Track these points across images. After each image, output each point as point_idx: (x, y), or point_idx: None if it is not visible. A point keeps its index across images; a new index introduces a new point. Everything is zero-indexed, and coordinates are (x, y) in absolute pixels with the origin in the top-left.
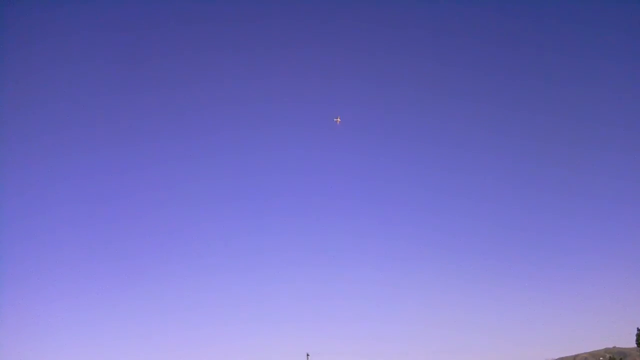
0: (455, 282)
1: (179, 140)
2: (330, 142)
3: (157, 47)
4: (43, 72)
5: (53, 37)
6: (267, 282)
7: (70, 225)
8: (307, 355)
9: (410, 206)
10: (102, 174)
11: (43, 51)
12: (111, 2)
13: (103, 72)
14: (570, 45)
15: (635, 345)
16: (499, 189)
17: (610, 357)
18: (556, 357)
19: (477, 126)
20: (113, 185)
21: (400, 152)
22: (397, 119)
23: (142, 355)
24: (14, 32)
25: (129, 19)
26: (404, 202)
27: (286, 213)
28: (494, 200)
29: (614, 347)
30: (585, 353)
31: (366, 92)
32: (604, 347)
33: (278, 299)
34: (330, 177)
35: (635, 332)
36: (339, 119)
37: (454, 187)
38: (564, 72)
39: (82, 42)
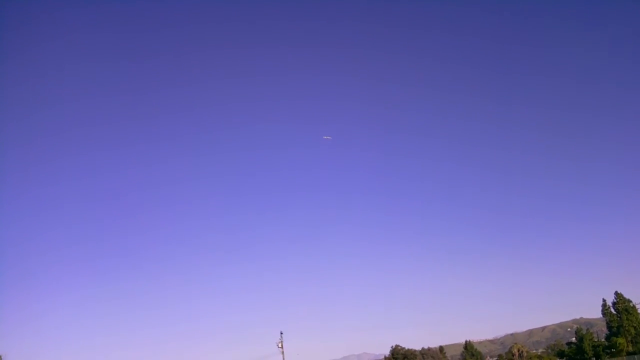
0: (426, 263)
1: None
2: (331, 141)
3: (157, 48)
4: (45, 72)
5: (53, 38)
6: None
7: (71, 223)
8: (281, 333)
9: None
10: (101, 172)
11: (45, 51)
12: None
13: (104, 72)
14: (573, 41)
15: (601, 316)
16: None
17: (577, 327)
18: (525, 329)
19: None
20: (112, 184)
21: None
22: (403, 115)
23: (140, 353)
24: (14, 33)
25: (128, 19)
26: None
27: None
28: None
29: (581, 317)
30: (553, 324)
31: (369, 91)
32: (571, 319)
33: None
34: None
35: (601, 302)
36: (329, 137)
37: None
38: (565, 68)
39: (82, 43)
